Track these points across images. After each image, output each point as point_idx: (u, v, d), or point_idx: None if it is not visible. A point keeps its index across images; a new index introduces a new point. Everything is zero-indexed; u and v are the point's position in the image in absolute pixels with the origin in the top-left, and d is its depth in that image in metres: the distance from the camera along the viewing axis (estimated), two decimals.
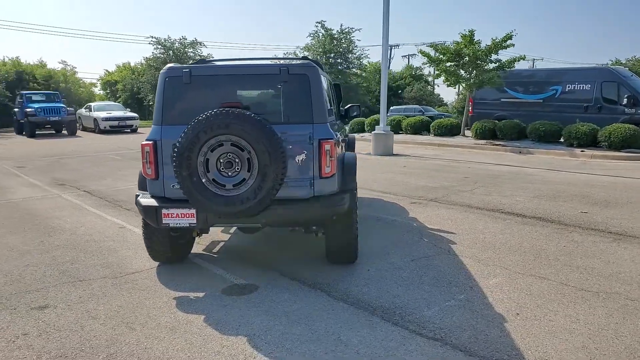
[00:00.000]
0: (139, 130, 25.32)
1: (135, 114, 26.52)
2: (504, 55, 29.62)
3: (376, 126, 14.95)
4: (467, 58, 16.76)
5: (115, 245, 5.25)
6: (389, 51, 44.39)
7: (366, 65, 44.80)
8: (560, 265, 4.52)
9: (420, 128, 19.53)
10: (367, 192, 8.18)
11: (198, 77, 4.01)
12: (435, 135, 18.58)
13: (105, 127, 24.15)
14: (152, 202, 4.00)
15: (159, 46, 37.92)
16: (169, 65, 4.09)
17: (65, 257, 4.86)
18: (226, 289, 4.04)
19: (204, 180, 3.70)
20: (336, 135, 4.22)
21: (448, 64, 17.32)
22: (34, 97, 24.52)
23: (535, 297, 3.78)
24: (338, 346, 3.07)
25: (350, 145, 6.91)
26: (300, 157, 3.90)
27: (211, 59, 4.92)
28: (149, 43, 40.26)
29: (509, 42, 16.55)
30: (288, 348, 3.05)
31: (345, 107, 6.75)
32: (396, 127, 20.30)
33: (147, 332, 3.27)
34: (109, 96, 45.58)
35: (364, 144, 15.33)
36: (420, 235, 5.58)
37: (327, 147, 3.88)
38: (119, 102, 43.12)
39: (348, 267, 4.49)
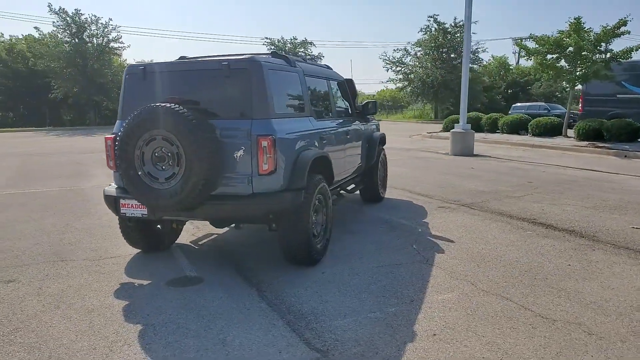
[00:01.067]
0: None
1: None
2: (617, 45, 25.88)
3: (455, 124, 14.10)
4: (570, 49, 15.01)
5: None
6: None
7: (488, 61, 42.51)
8: (541, 286, 3.89)
9: (517, 127, 17.99)
10: (402, 193, 7.80)
11: (151, 74, 4.18)
12: (533, 135, 17.00)
13: None
14: (113, 191, 4.26)
15: (272, 47, 39.79)
16: (130, 63, 4.33)
17: (71, 239, 5.39)
18: (174, 279, 4.17)
19: (140, 173, 3.86)
20: (289, 132, 4.10)
21: (548, 56, 15.68)
22: None
23: (473, 319, 3.32)
24: (216, 345, 3.01)
25: (371, 143, 6.66)
26: (238, 153, 3.87)
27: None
28: (263, 44, 42.39)
29: (622, 28, 14.49)
30: (168, 341, 3.07)
31: (362, 103, 6.52)
32: (492, 126, 18.95)
33: (66, 312, 3.51)
34: None
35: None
36: (414, 241, 5.19)
37: (264, 143, 3.80)
38: None
39: (306, 269, 4.34)
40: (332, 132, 5.18)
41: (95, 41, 31.48)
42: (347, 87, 6.27)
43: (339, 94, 6.04)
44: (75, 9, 31.22)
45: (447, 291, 3.81)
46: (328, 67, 6.19)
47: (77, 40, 30.59)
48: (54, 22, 31.10)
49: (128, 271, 4.39)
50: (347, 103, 6.29)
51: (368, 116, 6.98)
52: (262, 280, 4.10)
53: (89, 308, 3.58)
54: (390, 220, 6.07)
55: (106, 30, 31.62)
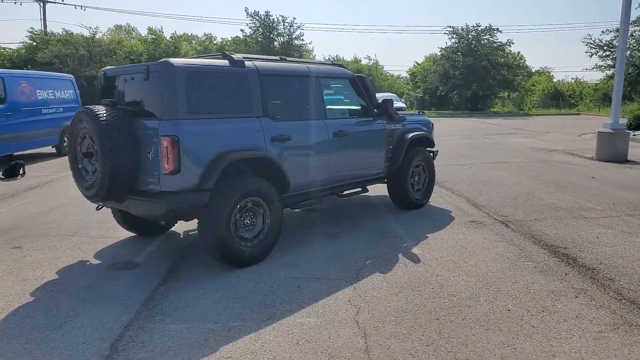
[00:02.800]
0: None
1: (403, 105, 27.92)
2: None
3: (604, 123, 11.63)
4: None
5: None
6: None
7: None
8: (443, 322, 3.21)
9: None
10: (454, 200, 6.96)
11: (107, 78, 4.68)
12: None
13: None
14: None
15: (454, 35, 38.05)
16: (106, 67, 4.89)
17: (104, 218, 6.33)
18: (117, 263, 4.65)
19: (79, 167, 4.40)
20: (204, 133, 4.16)
21: None
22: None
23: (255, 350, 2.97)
24: (52, 325, 3.35)
25: (399, 144, 6.15)
26: (150, 152, 4.10)
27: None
28: (444, 33, 40.78)
29: None
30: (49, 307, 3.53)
31: (382, 101, 6.06)
32: None
33: (9, 281, 4.25)
34: (413, 87, 48.71)
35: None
36: (381, 256, 4.69)
37: (165, 143, 3.96)
38: (417, 93, 45.75)
39: (225, 270, 4.36)
40: (300, 134, 4.97)
41: (280, 39, 34.71)
42: (359, 84, 5.87)
43: (339, 92, 5.71)
44: (265, 11, 34.88)
45: (308, 316, 3.44)
46: (334, 64, 5.89)
47: (265, 39, 34.18)
48: (247, 24, 35.31)
49: (98, 252, 5.01)
50: (360, 101, 5.91)
51: (402, 115, 6.43)
52: (180, 275, 4.29)
53: (24, 279, 4.28)
54: (388, 229, 5.56)
55: (292, 28, 34.59)
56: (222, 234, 4.19)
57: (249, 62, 4.72)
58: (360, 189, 5.98)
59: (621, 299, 3.62)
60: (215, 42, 42.25)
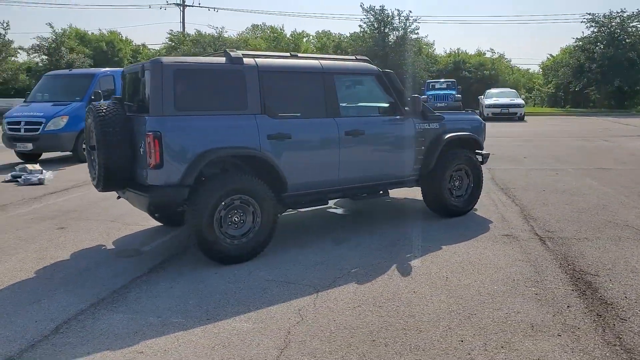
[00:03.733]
0: (526, 118, 24.63)
1: (521, 101, 25.66)
2: None
3: None
4: None
5: None
6: None
7: None
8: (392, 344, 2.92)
9: None
10: (506, 210, 6.24)
11: (124, 75, 5.06)
12: None
13: (488, 114, 24.63)
14: None
15: (593, 24, 33.96)
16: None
17: None
18: (127, 250, 5.01)
19: (92, 158, 4.80)
20: (190, 129, 4.26)
21: None
22: (436, 85, 27.83)
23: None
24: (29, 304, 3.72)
25: (433, 145, 5.72)
26: (141, 147, 4.32)
27: None
28: (581, 22, 36.54)
29: None
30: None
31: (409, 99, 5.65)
32: None
33: (28, 258, 4.78)
34: (545, 83, 44.62)
35: None
36: (364, 267, 4.39)
37: (148, 139, 4.14)
38: (549, 89, 41.83)
39: (217, 265, 4.42)
40: (302, 132, 4.84)
41: (395, 34, 34.02)
42: (386, 81, 5.51)
43: (359, 89, 5.43)
44: (380, 5, 34.34)
45: (247, 321, 3.33)
46: (358, 59, 5.58)
47: (379, 34, 33.77)
48: (361, 19, 35.15)
49: (105, 235, 5.43)
50: (387, 98, 5.54)
51: (442, 114, 5.93)
52: (167, 267, 4.47)
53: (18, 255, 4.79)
54: (403, 238, 5.17)
55: (407, 22, 33.69)
56: (203, 230, 4.26)
57: (250, 59, 4.71)
58: (381, 193, 5.64)
59: (615, 345, 2.93)
60: (332, 38, 42.96)
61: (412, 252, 4.74)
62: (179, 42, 37.37)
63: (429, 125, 5.77)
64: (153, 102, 4.23)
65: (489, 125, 7.30)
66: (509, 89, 28.75)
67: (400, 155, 5.59)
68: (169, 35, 38.75)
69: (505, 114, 24.59)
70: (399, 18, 34.15)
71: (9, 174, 9.02)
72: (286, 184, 4.71)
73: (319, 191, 5.09)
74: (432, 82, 28.52)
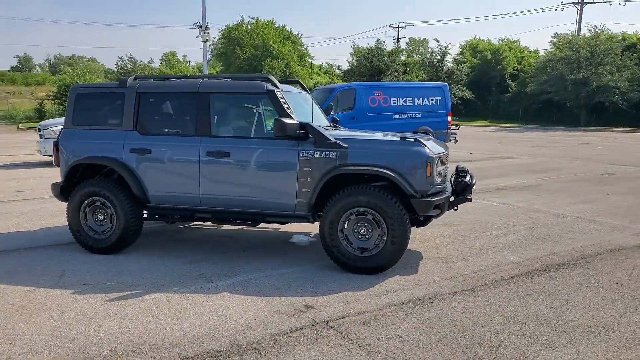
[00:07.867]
0: None
1: None
2: None
3: None
4: None
5: None
6: None
7: None
8: None
9: None
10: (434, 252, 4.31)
11: None
12: None
13: None
14: None
15: None
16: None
17: None
18: None
19: None
20: (72, 139, 5.47)
21: None
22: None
23: None
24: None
25: (322, 174, 4.87)
26: None
27: None
28: None
29: None
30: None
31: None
32: None
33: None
34: None
35: None
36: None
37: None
38: None
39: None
40: (160, 148, 5.14)
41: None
42: (280, 100, 4.86)
43: (248, 110, 5.05)
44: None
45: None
46: (256, 78, 5.11)
47: None
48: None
49: None
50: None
51: (352, 137, 4.77)
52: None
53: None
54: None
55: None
56: (72, 222, 5.42)
57: (135, 81, 5.40)
58: (251, 222, 5.05)
59: None
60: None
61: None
62: (566, 44, 32.70)
63: (320, 154, 4.70)
64: (65, 118, 5.67)
65: None
66: None
67: (277, 183, 4.88)
68: (551, 39, 35.83)
69: None
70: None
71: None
72: (146, 194, 5.24)
73: (183, 208, 5.24)
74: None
